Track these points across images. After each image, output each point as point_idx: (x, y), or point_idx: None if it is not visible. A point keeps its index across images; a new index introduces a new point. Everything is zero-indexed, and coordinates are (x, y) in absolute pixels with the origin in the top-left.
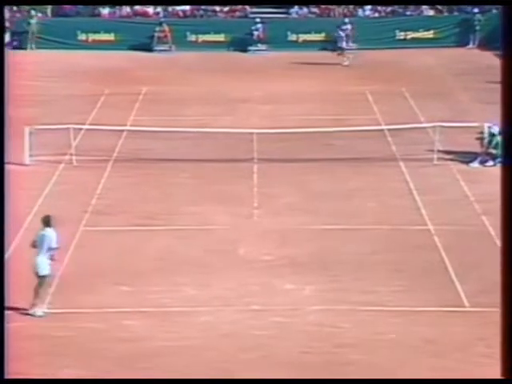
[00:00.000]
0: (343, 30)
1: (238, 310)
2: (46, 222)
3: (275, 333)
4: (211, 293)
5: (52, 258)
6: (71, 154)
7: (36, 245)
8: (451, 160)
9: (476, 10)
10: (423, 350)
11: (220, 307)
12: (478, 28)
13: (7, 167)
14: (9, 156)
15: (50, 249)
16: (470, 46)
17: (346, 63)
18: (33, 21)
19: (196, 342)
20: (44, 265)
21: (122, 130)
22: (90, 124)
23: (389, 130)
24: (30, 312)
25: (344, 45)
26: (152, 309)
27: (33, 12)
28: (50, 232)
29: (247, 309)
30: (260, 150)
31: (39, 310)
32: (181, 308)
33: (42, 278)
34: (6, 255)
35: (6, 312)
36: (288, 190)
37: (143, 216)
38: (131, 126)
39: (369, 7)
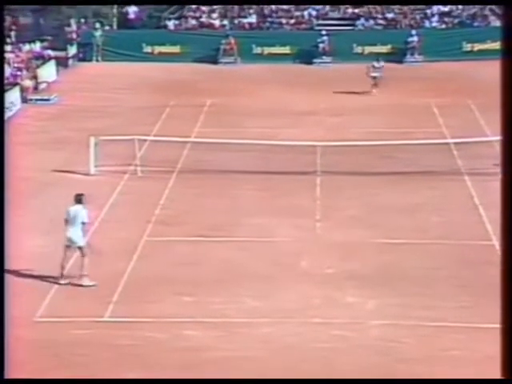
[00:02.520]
0: (376, 69)
1: (300, 323)
2: (78, 199)
3: (337, 346)
4: (273, 305)
5: (84, 232)
6: (136, 165)
7: (68, 220)
8: None
9: None
10: (486, 366)
11: (281, 319)
12: None
13: (72, 176)
14: (74, 166)
15: (82, 223)
16: None
17: (374, 93)
18: (97, 33)
19: (257, 354)
20: (80, 237)
21: (187, 142)
22: (155, 135)
23: (454, 143)
24: (81, 282)
25: (378, 75)
26: (213, 319)
27: (97, 24)
28: (81, 208)
29: (309, 321)
30: (323, 163)
31: (87, 280)
32: (242, 319)
33: (81, 249)
34: None
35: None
36: (351, 202)
37: (206, 227)
38: (196, 137)
39: (436, 19)
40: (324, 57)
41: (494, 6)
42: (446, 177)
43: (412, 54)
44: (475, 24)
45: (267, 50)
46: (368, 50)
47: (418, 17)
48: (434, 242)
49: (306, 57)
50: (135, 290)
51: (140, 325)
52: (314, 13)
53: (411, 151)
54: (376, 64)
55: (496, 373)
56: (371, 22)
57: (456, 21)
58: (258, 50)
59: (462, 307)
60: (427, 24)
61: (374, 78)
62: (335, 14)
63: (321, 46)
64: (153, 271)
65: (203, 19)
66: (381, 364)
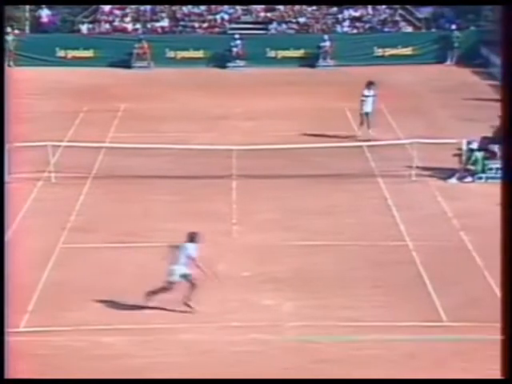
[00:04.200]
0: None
1: (218, 327)
2: (189, 238)
3: (255, 349)
4: (191, 310)
5: (189, 268)
6: (50, 171)
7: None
8: (429, 176)
9: (454, 27)
10: (402, 364)
11: (200, 324)
12: (456, 45)
13: None
14: None
15: (188, 259)
16: (448, 62)
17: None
18: (9, 37)
19: (176, 359)
20: (177, 273)
21: (101, 147)
22: (69, 141)
23: (367, 146)
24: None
25: (369, 109)
26: (132, 326)
27: (9, 29)
28: (190, 246)
29: (227, 325)
30: (239, 167)
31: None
32: (160, 325)
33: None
34: None
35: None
36: (267, 206)
37: (122, 233)
38: (110, 142)
39: (347, 24)
40: (237, 61)
41: (404, 12)
42: (360, 179)
43: (324, 59)
44: (386, 29)
45: (180, 54)
46: (281, 54)
47: (329, 22)
48: (349, 244)
49: (220, 61)
50: (51, 298)
51: (57, 333)
52: (226, 17)
53: (325, 154)
54: (366, 92)
55: (412, 370)
56: (284, 26)
57: (367, 26)
58: (171, 54)
59: (377, 306)
60: (339, 29)
61: (366, 114)
62: (248, 18)
63: (234, 50)
64: (69, 279)
65: (116, 23)
66: (299, 365)
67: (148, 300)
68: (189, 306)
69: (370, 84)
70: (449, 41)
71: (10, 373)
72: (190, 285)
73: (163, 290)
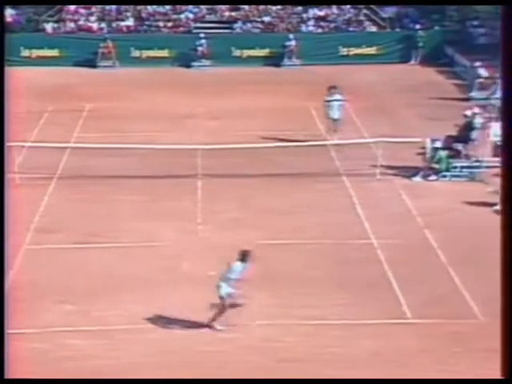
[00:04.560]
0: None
1: (184, 327)
2: (241, 257)
3: (221, 348)
4: (156, 310)
5: (233, 288)
6: (14, 172)
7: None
8: (394, 175)
9: (418, 27)
10: (367, 362)
11: (165, 324)
12: (420, 45)
13: None
14: None
15: (229, 277)
16: (412, 62)
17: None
18: None
19: (142, 360)
20: (224, 289)
21: (66, 147)
22: (34, 141)
23: (332, 145)
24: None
25: (336, 115)
26: (96, 327)
27: None
28: (238, 265)
29: (193, 325)
30: (204, 166)
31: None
32: (126, 326)
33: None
34: None
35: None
36: (232, 205)
37: (87, 233)
38: (75, 142)
39: (312, 23)
40: (203, 60)
41: (369, 12)
42: (325, 178)
43: (290, 58)
44: (351, 29)
45: (145, 54)
46: (246, 53)
47: (294, 21)
48: (314, 242)
49: (185, 60)
50: (15, 300)
51: (21, 336)
52: (191, 16)
53: (291, 153)
54: (328, 97)
55: (377, 368)
56: (249, 25)
57: (332, 25)
58: (136, 53)
59: (341, 305)
60: (304, 28)
61: (335, 120)
62: (212, 17)
63: (199, 49)
64: (33, 280)
65: (81, 22)
66: (265, 364)
67: (216, 325)
68: (211, 326)
69: (331, 88)
70: (413, 40)
71: None
72: (224, 305)
73: (221, 308)
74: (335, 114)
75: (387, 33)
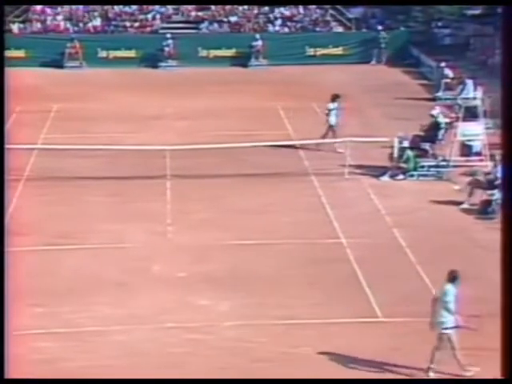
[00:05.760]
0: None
1: (153, 328)
2: (450, 277)
3: (192, 350)
4: (125, 311)
5: (448, 311)
6: None
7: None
8: (362, 174)
9: (380, 28)
10: (339, 361)
11: (136, 326)
12: (384, 45)
13: None
14: None
15: (445, 303)
16: (373, 62)
17: (339, 150)
18: None
19: (113, 362)
20: (442, 321)
21: (33, 149)
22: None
23: (301, 145)
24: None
25: (333, 122)
26: (67, 329)
27: None
28: (448, 287)
29: (163, 326)
30: (173, 167)
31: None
32: (96, 328)
33: (439, 335)
34: None
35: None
36: (201, 206)
37: (56, 235)
38: (42, 144)
39: (279, 23)
40: (169, 60)
41: (335, 13)
42: (294, 178)
43: (257, 58)
44: (317, 29)
45: (112, 54)
46: (213, 53)
47: (261, 21)
48: (284, 242)
49: (152, 60)
50: None
51: None
52: (158, 16)
53: (259, 154)
54: (331, 105)
55: (349, 367)
56: (215, 25)
57: (299, 26)
58: (103, 53)
59: (312, 304)
60: (271, 28)
61: (331, 126)
62: (179, 17)
63: (166, 49)
64: (3, 283)
65: (48, 22)
66: (237, 365)
67: (434, 365)
68: (429, 368)
69: (335, 97)
70: (378, 41)
71: None
72: (442, 338)
73: (438, 344)
74: (332, 121)
75: (353, 33)
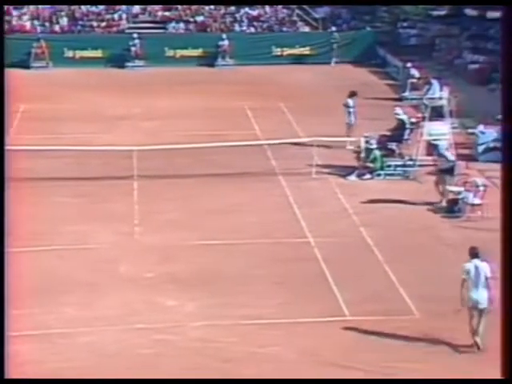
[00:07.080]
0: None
1: (122, 329)
2: (474, 253)
3: (160, 351)
4: (93, 312)
5: (488, 288)
6: None
7: (467, 279)
8: (329, 174)
9: (334, 29)
10: (307, 360)
11: (103, 327)
12: (351, 45)
13: None
14: None
15: (486, 279)
16: (333, 64)
17: (349, 147)
18: None
19: (81, 364)
20: (483, 298)
21: None
22: None
23: (268, 144)
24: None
25: (352, 120)
26: (35, 331)
27: None
28: (479, 263)
29: (131, 327)
30: (140, 167)
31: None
32: (64, 329)
33: (481, 312)
34: None
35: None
36: (169, 206)
37: (23, 237)
38: (9, 144)
39: (245, 23)
40: (136, 60)
41: (301, 12)
42: (262, 177)
43: (223, 58)
44: (284, 29)
45: (79, 54)
46: (180, 53)
47: (227, 21)
48: (251, 242)
49: (118, 60)
50: None
51: None
52: (124, 16)
53: (227, 153)
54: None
55: (317, 365)
56: (182, 25)
57: (265, 25)
58: (69, 53)
59: (279, 304)
60: (237, 28)
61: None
62: (146, 17)
63: (133, 49)
64: None
65: (14, 22)
66: (205, 365)
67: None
68: (476, 344)
69: (352, 94)
70: (346, 41)
71: None
72: (479, 313)
73: (478, 319)
74: (352, 120)
75: (320, 33)
